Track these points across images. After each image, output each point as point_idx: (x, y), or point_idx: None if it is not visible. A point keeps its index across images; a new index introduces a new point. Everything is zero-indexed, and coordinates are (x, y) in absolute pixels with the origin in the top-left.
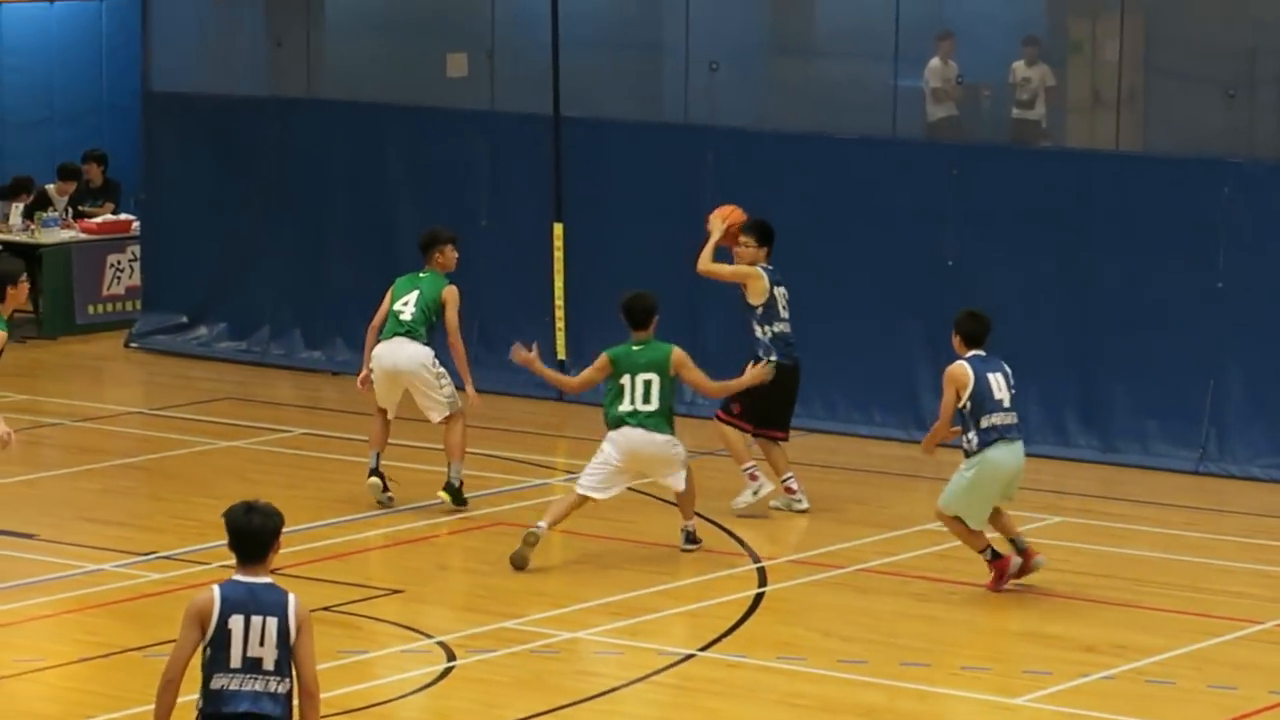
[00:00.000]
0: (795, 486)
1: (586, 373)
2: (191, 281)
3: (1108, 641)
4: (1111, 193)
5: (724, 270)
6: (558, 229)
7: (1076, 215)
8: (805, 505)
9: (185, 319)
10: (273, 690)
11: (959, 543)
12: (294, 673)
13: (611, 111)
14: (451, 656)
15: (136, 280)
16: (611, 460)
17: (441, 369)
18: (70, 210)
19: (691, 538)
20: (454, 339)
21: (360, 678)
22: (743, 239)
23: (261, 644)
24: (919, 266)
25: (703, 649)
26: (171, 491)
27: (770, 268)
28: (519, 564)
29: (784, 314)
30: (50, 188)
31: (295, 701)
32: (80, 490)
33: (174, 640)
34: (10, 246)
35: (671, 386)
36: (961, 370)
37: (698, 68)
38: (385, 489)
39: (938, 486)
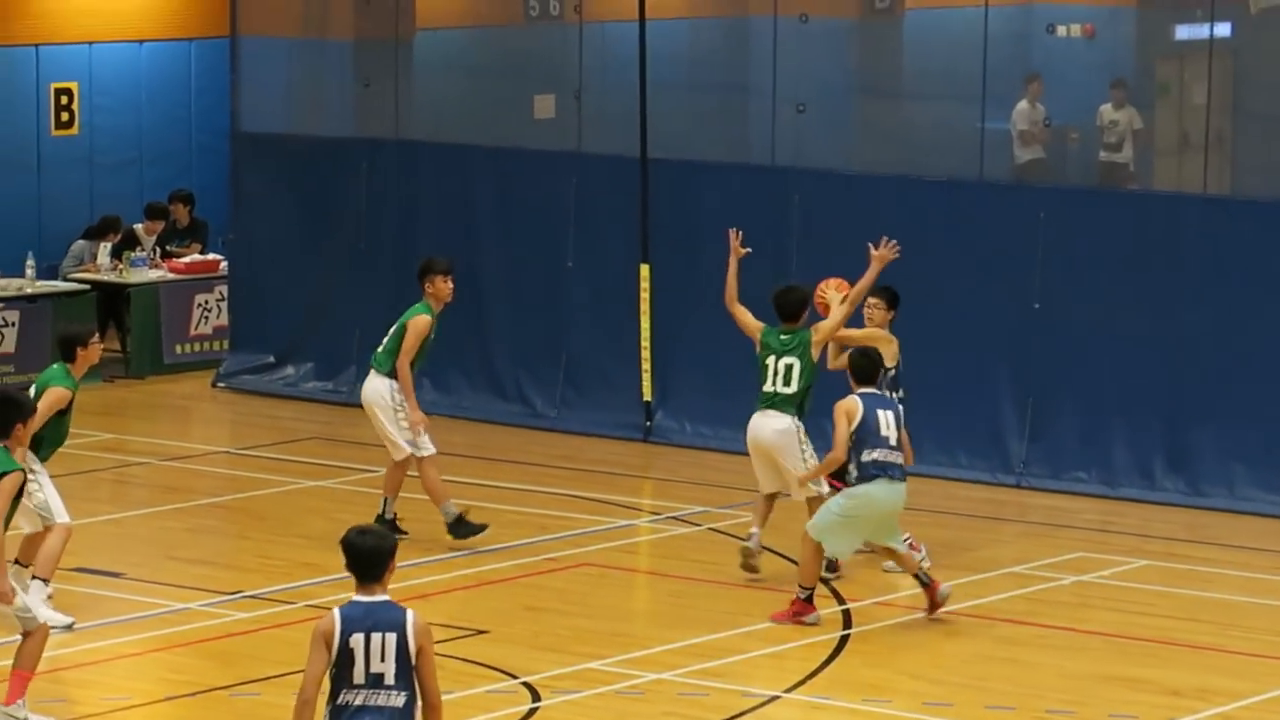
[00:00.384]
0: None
1: (746, 315)
2: (278, 321)
3: (1193, 686)
4: (1199, 236)
5: (856, 335)
6: (644, 270)
7: (1164, 258)
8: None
9: (272, 359)
10: (394, 704)
11: (1045, 586)
12: (415, 686)
13: (698, 153)
14: (536, 697)
15: (224, 320)
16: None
17: (401, 402)
18: (158, 250)
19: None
20: (400, 361)
21: (446, 718)
22: (872, 301)
23: (382, 660)
24: (1006, 309)
25: (788, 690)
26: (257, 531)
27: None
28: (750, 570)
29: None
30: (138, 227)
31: (417, 714)
32: (167, 529)
33: (261, 679)
34: (98, 286)
35: (813, 371)
36: (852, 402)
37: (785, 109)
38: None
39: (1025, 529)
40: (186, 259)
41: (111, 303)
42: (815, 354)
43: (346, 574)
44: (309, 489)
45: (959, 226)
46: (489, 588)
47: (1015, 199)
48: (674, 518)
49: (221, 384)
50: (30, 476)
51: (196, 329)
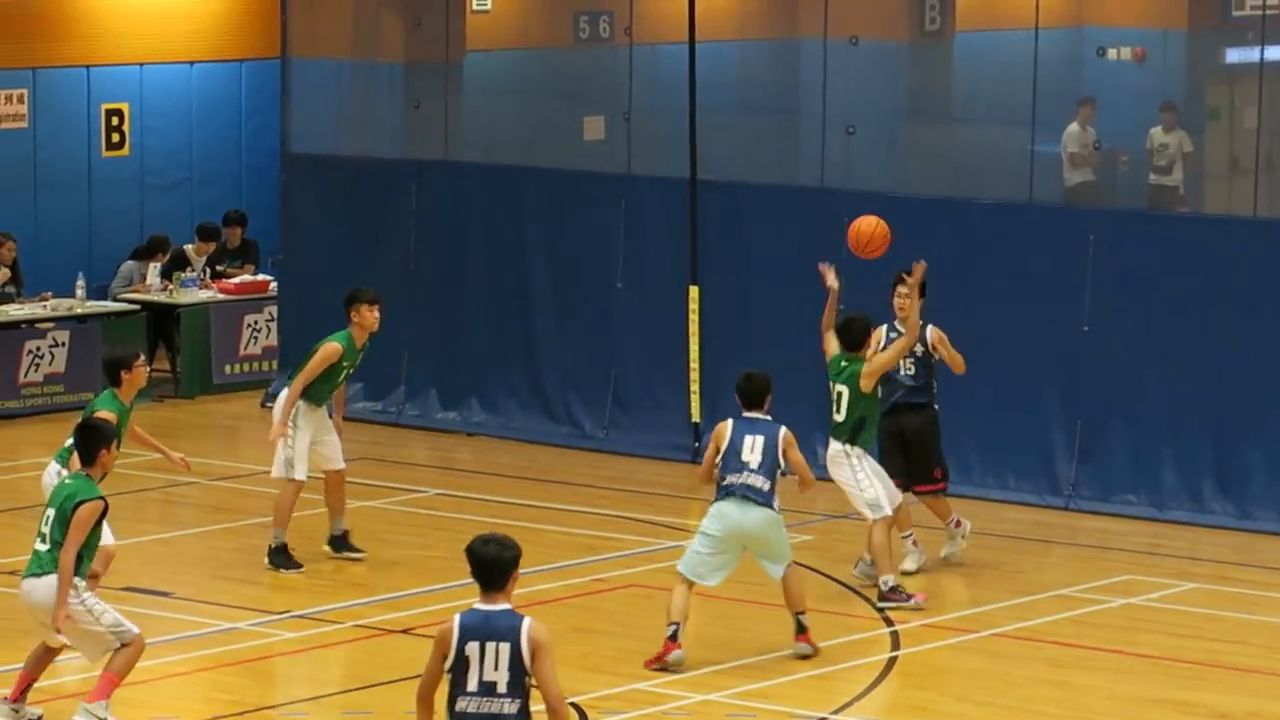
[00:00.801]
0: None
1: (829, 343)
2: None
3: (1242, 709)
4: (1249, 259)
5: (899, 346)
6: (693, 292)
7: (1214, 281)
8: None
9: None
10: (506, 712)
11: (1094, 609)
12: (527, 693)
13: (747, 175)
14: (585, 718)
15: (273, 340)
16: None
17: (293, 426)
18: (208, 270)
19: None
20: (296, 380)
21: None
22: (902, 290)
23: (495, 668)
24: (1055, 332)
25: (835, 712)
26: (305, 551)
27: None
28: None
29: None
30: (189, 248)
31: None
32: (215, 549)
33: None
34: (148, 306)
35: (868, 401)
36: (721, 427)
37: (834, 132)
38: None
39: (1073, 552)
40: (236, 280)
41: (161, 323)
42: (865, 385)
43: (396, 594)
44: (357, 509)
45: (1008, 249)
46: (537, 608)
47: (1065, 222)
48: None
49: (270, 404)
50: None
51: (246, 349)
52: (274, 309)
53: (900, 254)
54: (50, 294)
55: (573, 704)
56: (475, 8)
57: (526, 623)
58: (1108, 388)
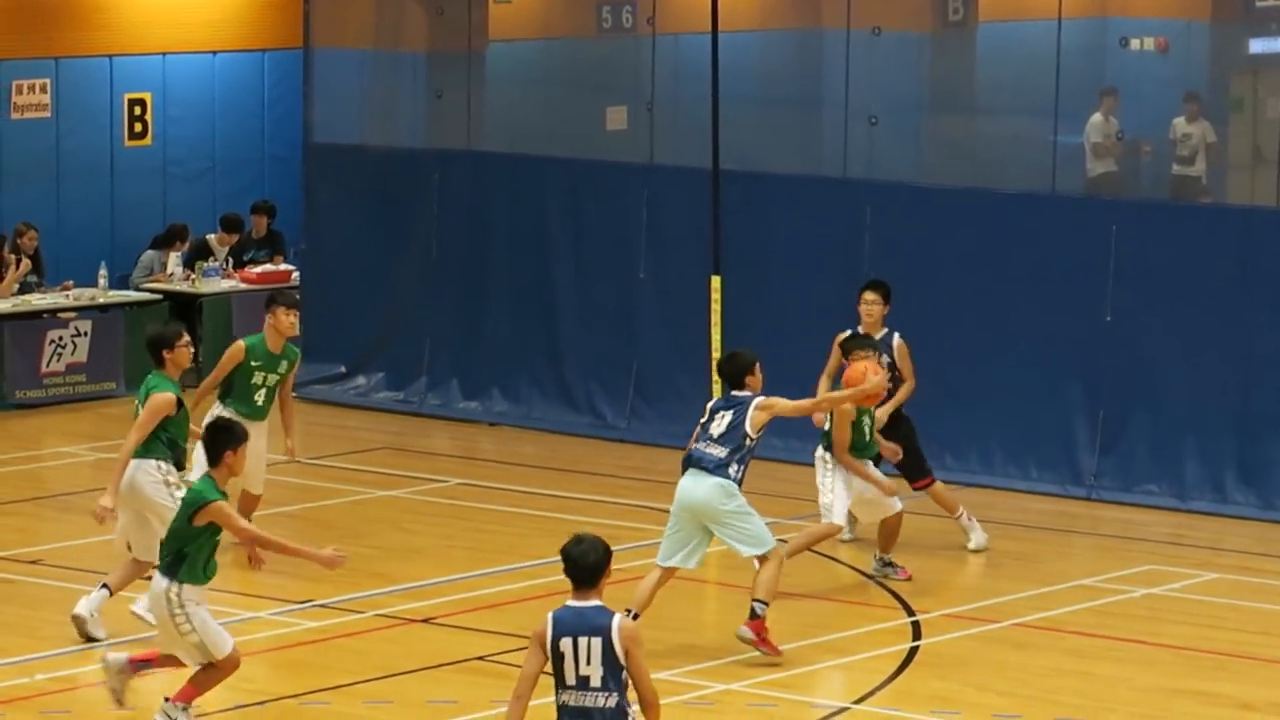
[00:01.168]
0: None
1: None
2: (350, 332)
3: (1265, 700)
4: (1272, 249)
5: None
6: (715, 282)
7: (1236, 272)
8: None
9: (343, 369)
10: (602, 705)
11: (1116, 599)
12: (624, 687)
13: (770, 165)
14: None
15: (296, 331)
16: None
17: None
18: (230, 260)
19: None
20: (203, 387)
21: None
22: (870, 297)
23: (589, 663)
24: (1077, 322)
25: (856, 702)
26: (327, 540)
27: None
28: None
29: None
30: (211, 238)
31: (630, 711)
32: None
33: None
34: (171, 296)
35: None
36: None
37: (857, 122)
38: None
39: (1095, 542)
40: (259, 269)
41: (184, 313)
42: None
43: (418, 583)
44: (379, 499)
45: (1031, 239)
46: (560, 598)
47: (1087, 212)
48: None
49: (292, 393)
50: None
51: None
52: (296, 298)
53: (924, 243)
54: (72, 283)
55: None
56: None
57: (617, 620)
58: (1130, 378)
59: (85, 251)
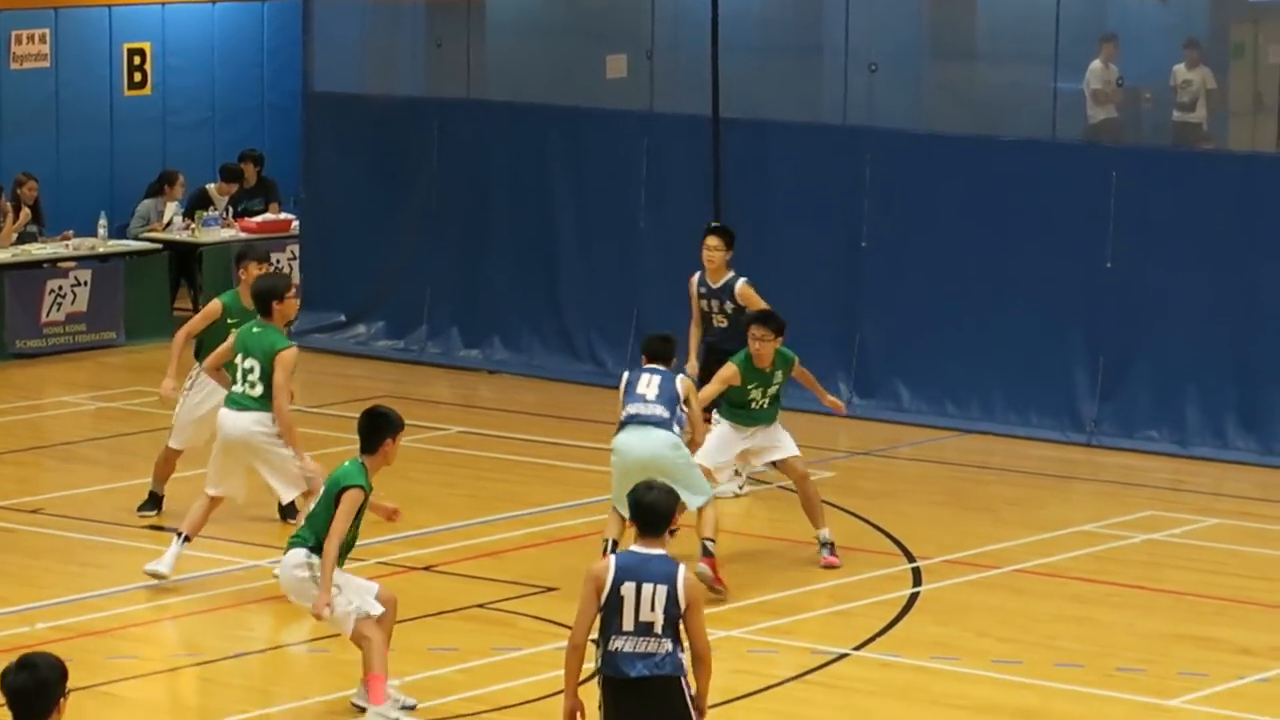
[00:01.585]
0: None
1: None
2: (350, 280)
3: (1265, 644)
4: (1272, 195)
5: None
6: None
7: (1237, 218)
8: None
9: (344, 318)
10: (661, 651)
11: (1116, 545)
12: (679, 635)
13: (770, 113)
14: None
15: (296, 279)
16: None
17: (187, 389)
18: (230, 210)
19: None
20: (177, 333)
21: (514, 675)
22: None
23: (652, 609)
24: (1078, 269)
25: (856, 648)
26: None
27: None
28: None
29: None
30: (211, 187)
31: (684, 660)
32: None
33: (332, 635)
34: (171, 246)
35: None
36: (623, 377)
37: (857, 70)
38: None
39: (1095, 488)
40: (258, 219)
41: (184, 262)
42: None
43: (419, 531)
44: None
45: (1031, 186)
46: (560, 545)
47: (1088, 159)
48: (742, 475)
49: (293, 342)
50: None
51: None
52: (296, 248)
53: (924, 191)
54: (72, 233)
55: (594, 640)
56: None
57: (682, 570)
58: (1130, 324)
59: (85, 201)
